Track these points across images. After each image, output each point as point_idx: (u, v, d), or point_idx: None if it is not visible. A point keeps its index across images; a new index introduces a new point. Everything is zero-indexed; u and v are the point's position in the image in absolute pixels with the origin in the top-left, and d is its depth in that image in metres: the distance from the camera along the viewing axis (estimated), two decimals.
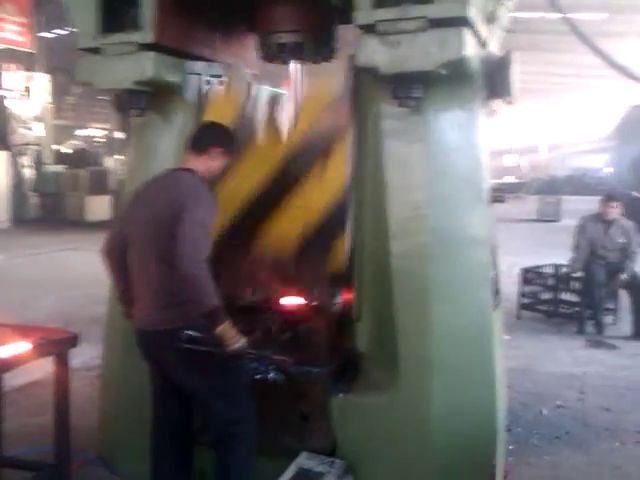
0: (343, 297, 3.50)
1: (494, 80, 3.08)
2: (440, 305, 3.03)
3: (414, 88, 2.87)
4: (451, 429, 3.03)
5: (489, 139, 3.20)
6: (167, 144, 3.48)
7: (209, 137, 3.04)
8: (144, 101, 3.32)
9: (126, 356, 3.58)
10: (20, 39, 19.87)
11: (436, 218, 3.03)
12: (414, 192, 3.04)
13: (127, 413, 3.63)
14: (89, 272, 10.70)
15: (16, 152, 20.10)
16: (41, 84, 20.92)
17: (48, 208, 20.92)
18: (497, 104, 3.25)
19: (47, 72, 21.32)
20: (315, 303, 3.60)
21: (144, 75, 3.19)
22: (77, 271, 11.27)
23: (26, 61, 21.00)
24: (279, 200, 3.39)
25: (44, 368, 3.21)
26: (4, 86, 20.41)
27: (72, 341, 3.14)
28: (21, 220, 19.57)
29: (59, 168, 21.05)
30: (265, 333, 3.35)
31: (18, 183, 20.02)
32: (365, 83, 3.14)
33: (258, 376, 3.27)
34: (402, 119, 3.03)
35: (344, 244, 3.27)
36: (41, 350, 3.00)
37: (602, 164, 38.32)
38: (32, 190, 20.54)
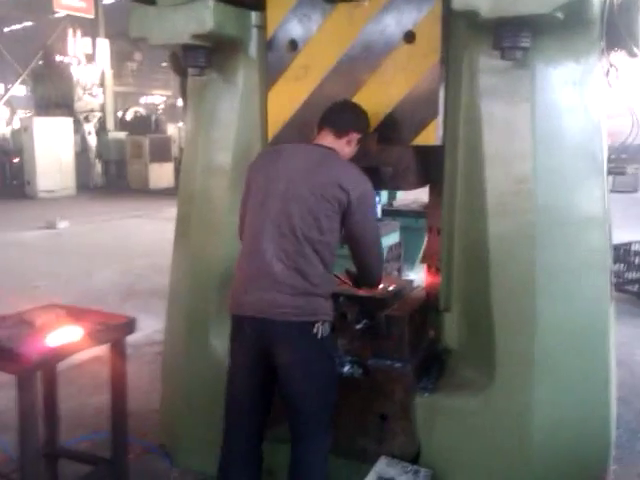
0: (427, 281, 3.09)
1: (616, 28, 2.55)
2: (547, 296, 2.58)
3: (522, 36, 2.38)
4: (556, 439, 2.60)
5: (607, 99, 2.68)
6: (229, 107, 3.09)
7: (352, 120, 2.67)
8: (203, 58, 2.92)
9: (190, 337, 3.29)
10: (81, 4, 19.79)
11: (544, 194, 2.56)
12: (517, 162, 2.57)
13: (190, 400, 3.35)
14: (152, 240, 10.72)
15: (81, 119, 20.26)
16: (102, 50, 20.92)
17: (111, 175, 21.17)
18: (617, 57, 2.73)
19: (107, 38, 21.28)
20: (392, 287, 3.21)
21: (203, 27, 2.78)
22: (140, 239, 11.23)
23: (87, 27, 20.99)
24: (358, 75, 2.88)
25: None
26: (69, 53, 20.51)
27: (129, 327, 2.84)
28: (86, 187, 19.85)
29: (121, 135, 21.14)
30: (339, 321, 2.98)
31: (83, 150, 20.24)
32: (459, 31, 2.65)
33: None
34: (504, 74, 2.56)
35: (435, 126, 2.76)
36: (95, 337, 2.72)
37: None
38: (96, 157, 20.74)
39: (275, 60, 3.02)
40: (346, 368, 2.90)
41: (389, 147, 2.80)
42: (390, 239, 6.62)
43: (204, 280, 3.22)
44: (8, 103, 25.94)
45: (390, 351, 2.88)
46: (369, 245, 2.61)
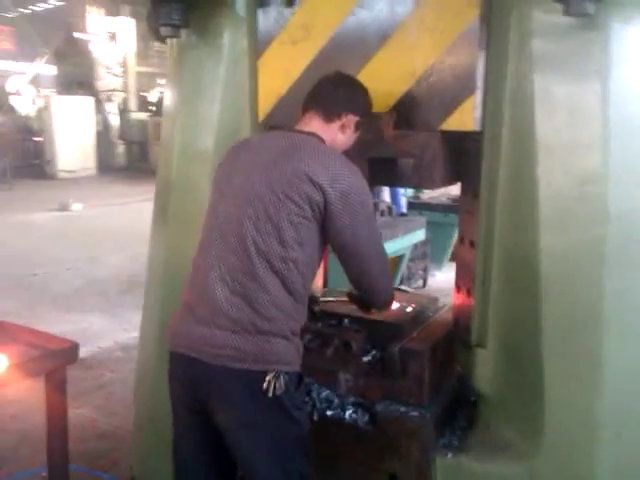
0: (455, 305, 2.44)
1: None
2: (619, 334, 1.93)
3: None
4: None
5: None
6: (212, 78, 2.45)
7: (346, 98, 2.03)
8: (177, 14, 2.29)
9: (161, 347, 2.67)
10: None
11: (618, 198, 1.90)
12: (583, 156, 1.91)
13: (160, 426, 2.74)
14: None
15: (102, 98, 19.83)
16: (126, 29, 20.37)
17: (134, 156, 20.72)
18: None
19: (132, 17, 20.70)
20: (412, 308, 2.57)
21: None
22: None
23: (110, 5, 20.42)
24: (372, 38, 2.22)
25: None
26: (89, 30, 20.02)
27: (70, 354, 2.23)
28: (108, 167, 19.43)
29: (144, 116, 20.66)
30: (341, 350, 2.36)
31: (104, 130, 19.81)
32: None
33: (330, 412, 2.30)
34: (567, 38, 1.89)
35: (471, 106, 2.09)
36: (25, 369, 2.12)
37: None
38: (118, 138, 20.32)
39: (268, 18, 2.37)
40: (348, 412, 2.29)
41: (410, 133, 2.14)
42: (415, 236, 6.01)
43: (180, 281, 2.61)
44: (33, 82, 25.65)
45: (405, 394, 2.25)
46: (366, 259, 1.95)
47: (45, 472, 3.27)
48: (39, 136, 19.59)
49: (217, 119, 2.46)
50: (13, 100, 21.63)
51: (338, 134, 2.00)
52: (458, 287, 2.35)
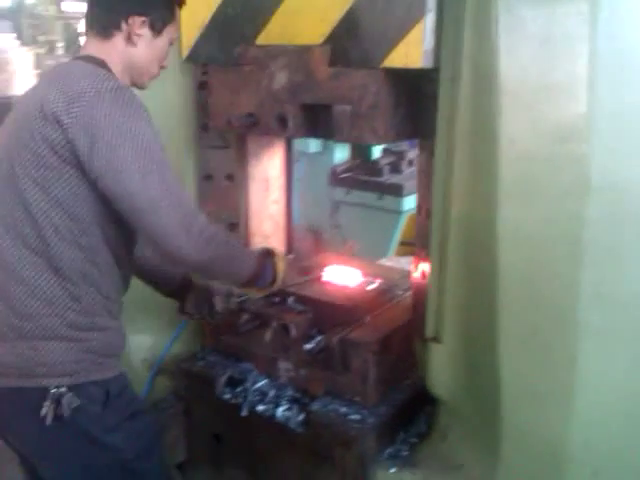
0: (414, 287, 1.99)
1: None
2: (599, 343, 1.46)
3: None
4: None
5: None
6: None
7: (116, 2, 1.51)
8: None
9: None
10: None
11: (606, 163, 1.40)
12: (559, 105, 1.41)
13: None
14: None
15: None
16: None
17: None
18: None
19: None
20: (376, 285, 2.16)
21: None
22: None
23: None
24: None
25: None
26: None
27: None
28: None
29: None
30: (280, 335, 1.99)
31: None
32: None
33: (261, 407, 1.95)
34: None
35: (419, 35, 1.56)
36: None
37: None
38: None
39: None
40: (281, 409, 1.93)
41: (347, 71, 1.67)
42: None
43: None
44: None
45: (349, 391, 1.88)
46: (150, 214, 1.36)
47: None
48: None
49: None
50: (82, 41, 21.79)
51: (128, 49, 1.51)
52: (416, 266, 1.90)
